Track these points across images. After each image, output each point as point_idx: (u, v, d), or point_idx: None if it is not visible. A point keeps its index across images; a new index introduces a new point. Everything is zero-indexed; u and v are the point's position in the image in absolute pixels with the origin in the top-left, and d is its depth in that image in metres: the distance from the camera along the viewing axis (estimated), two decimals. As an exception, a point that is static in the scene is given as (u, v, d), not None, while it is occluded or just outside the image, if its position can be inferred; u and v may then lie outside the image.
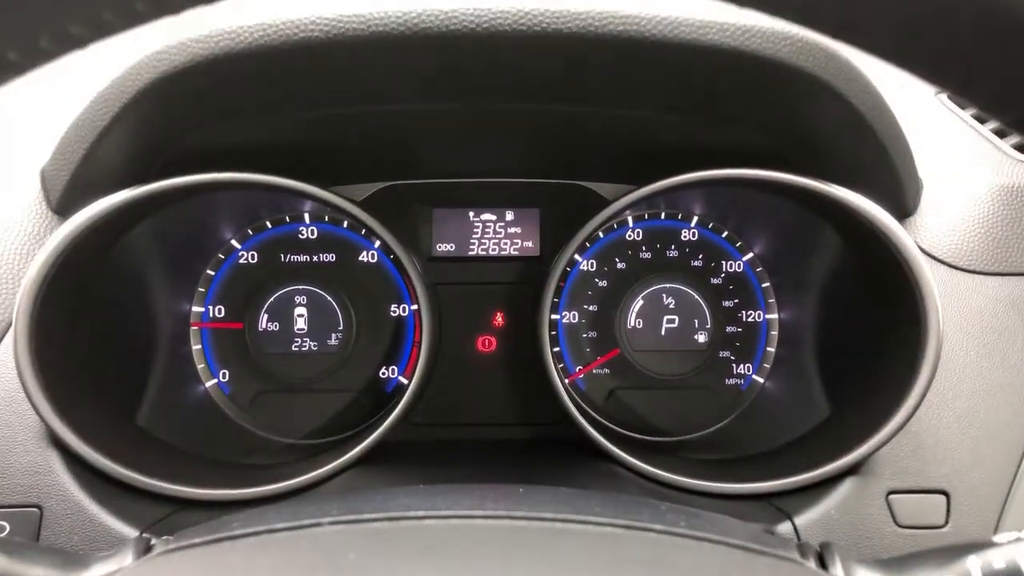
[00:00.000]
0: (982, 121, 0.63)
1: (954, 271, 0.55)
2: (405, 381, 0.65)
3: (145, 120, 0.47)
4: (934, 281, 0.49)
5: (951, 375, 0.53)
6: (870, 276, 0.57)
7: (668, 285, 0.66)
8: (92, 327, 0.55)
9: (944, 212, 0.56)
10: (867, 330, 0.57)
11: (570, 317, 0.66)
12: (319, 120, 0.55)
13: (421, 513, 0.32)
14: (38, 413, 0.49)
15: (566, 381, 0.65)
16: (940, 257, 0.55)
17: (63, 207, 0.50)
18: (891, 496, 0.51)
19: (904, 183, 0.54)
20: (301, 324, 0.65)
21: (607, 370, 0.66)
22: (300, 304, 0.65)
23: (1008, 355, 0.54)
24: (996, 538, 0.36)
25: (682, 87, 0.48)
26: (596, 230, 0.62)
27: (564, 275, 0.66)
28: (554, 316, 0.66)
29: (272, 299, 0.65)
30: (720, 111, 0.52)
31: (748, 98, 0.50)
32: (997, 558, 0.35)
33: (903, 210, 0.56)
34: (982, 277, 0.55)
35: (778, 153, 0.55)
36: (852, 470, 0.51)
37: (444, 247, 0.66)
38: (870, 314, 0.57)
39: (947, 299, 0.54)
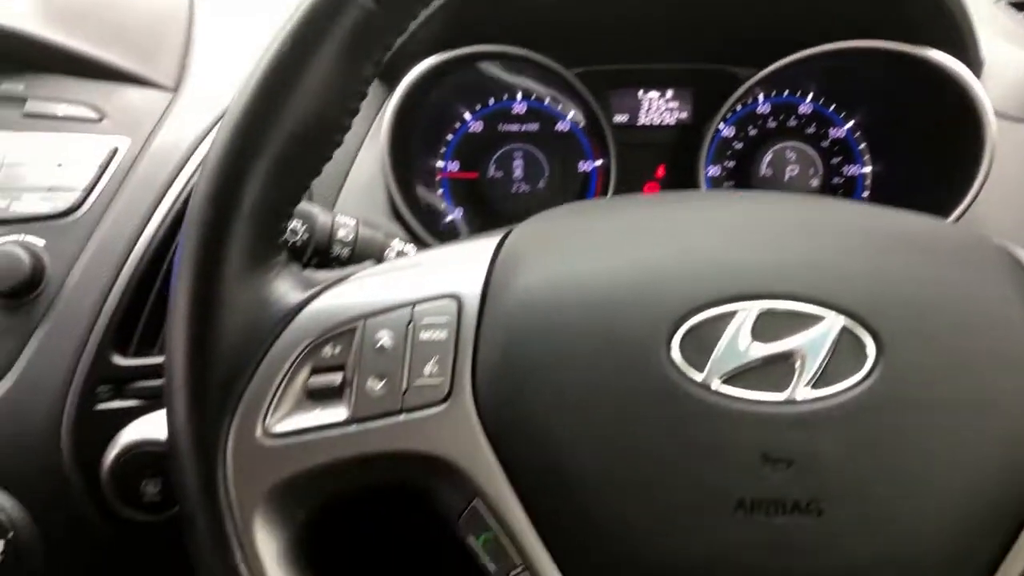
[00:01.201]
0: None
1: (1006, 120, 0.76)
2: (591, 217, 0.89)
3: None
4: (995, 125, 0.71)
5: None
6: (945, 131, 0.78)
7: (790, 143, 0.88)
8: None
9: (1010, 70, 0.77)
10: (936, 179, 0.79)
11: (714, 171, 0.89)
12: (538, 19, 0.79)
13: None
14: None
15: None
16: (1007, 112, 0.76)
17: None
18: None
19: (973, 46, 0.74)
20: (518, 172, 0.89)
21: (742, 210, 0.89)
22: (517, 159, 0.89)
23: None
24: None
25: None
26: (735, 104, 0.85)
27: (711, 140, 0.88)
28: (704, 170, 0.88)
29: (496, 156, 0.89)
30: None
31: None
32: None
33: (975, 70, 0.76)
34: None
35: (871, 28, 0.77)
36: None
37: (620, 118, 0.90)
38: (940, 163, 0.79)
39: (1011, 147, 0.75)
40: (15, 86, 0.67)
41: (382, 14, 0.44)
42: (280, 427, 0.44)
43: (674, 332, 0.42)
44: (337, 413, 0.44)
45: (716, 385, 0.42)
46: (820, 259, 0.44)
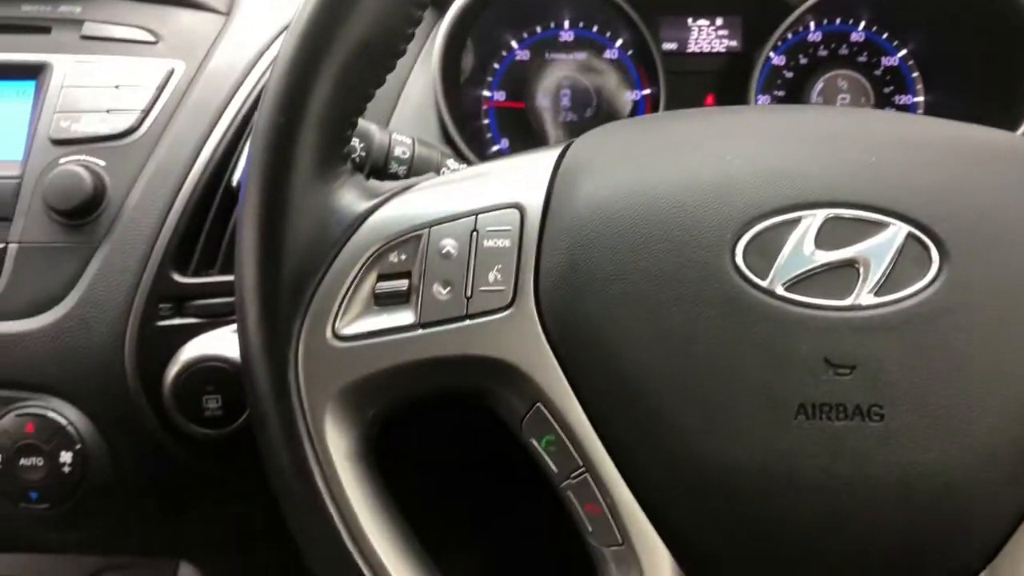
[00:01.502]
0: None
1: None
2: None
3: None
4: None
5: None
6: (1000, 56, 0.77)
7: (841, 71, 0.87)
8: None
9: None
10: (990, 108, 0.78)
11: (764, 100, 0.88)
12: None
13: None
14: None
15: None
16: None
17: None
18: None
19: None
20: (565, 102, 0.89)
21: (791, 139, 0.88)
22: (564, 87, 0.89)
23: None
24: None
25: None
26: (786, 31, 0.83)
27: (761, 68, 0.87)
28: (755, 98, 0.87)
29: (543, 85, 0.89)
30: None
31: None
32: None
33: None
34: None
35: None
36: None
37: (669, 45, 0.88)
38: (994, 91, 0.78)
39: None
40: (73, 8, 0.68)
41: None
42: (349, 330, 0.45)
43: (739, 238, 0.43)
44: (404, 318, 0.44)
45: (780, 291, 0.42)
46: (886, 167, 0.44)
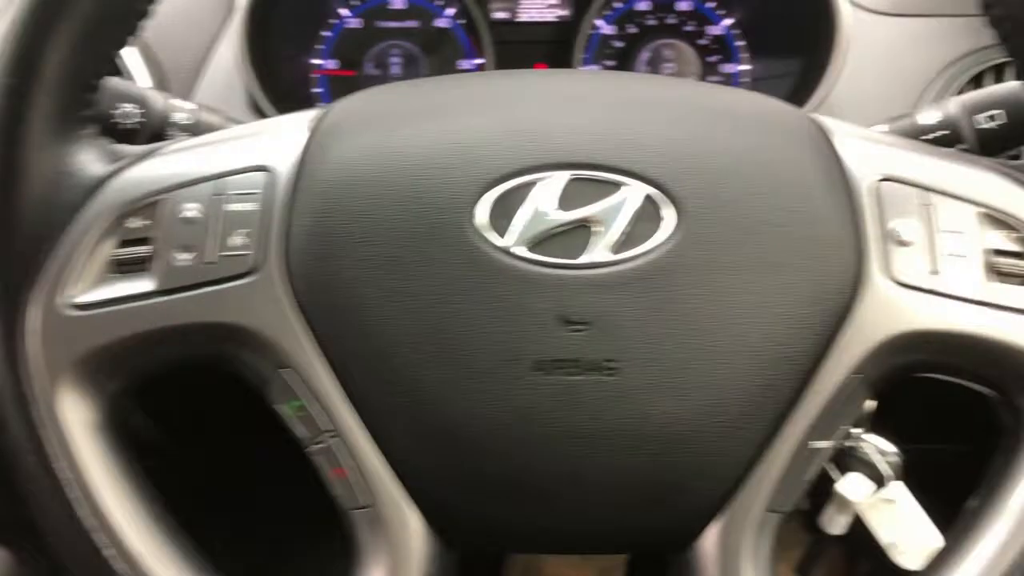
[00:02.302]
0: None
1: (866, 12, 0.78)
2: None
3: None
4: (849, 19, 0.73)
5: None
6: (809, 27, 0.79)
7: (668, 41, 0.88)
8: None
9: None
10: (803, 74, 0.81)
11: (593, 68, 0.89)
12: None
13: None
14: None
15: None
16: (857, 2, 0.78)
17: None
18: None
19: None
20: (396, 70, 0.88)
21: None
22: (395, 55, 0.88)
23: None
24: None
25: None
26: (613, 1, 0.85)
27: (589, 37, 0.88)
28: (582, 67, 0.88)
29: (373, 51, 0.88)
30: None
31: None
32: None
33: None
34: (891, 18, 0.78)
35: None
36: None
37: (500, 14, 0.88)
38: (806, 58, 0.80)
39: (855, 34, 0.76)
40: None
41: None
42: (85, 298, 0.43)
43: (479, 198, 0.43)
44: (143, 285, 0.43)
45: (519, 250, 0.43)
46: (625, 129, 0.45)
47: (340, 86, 0.88)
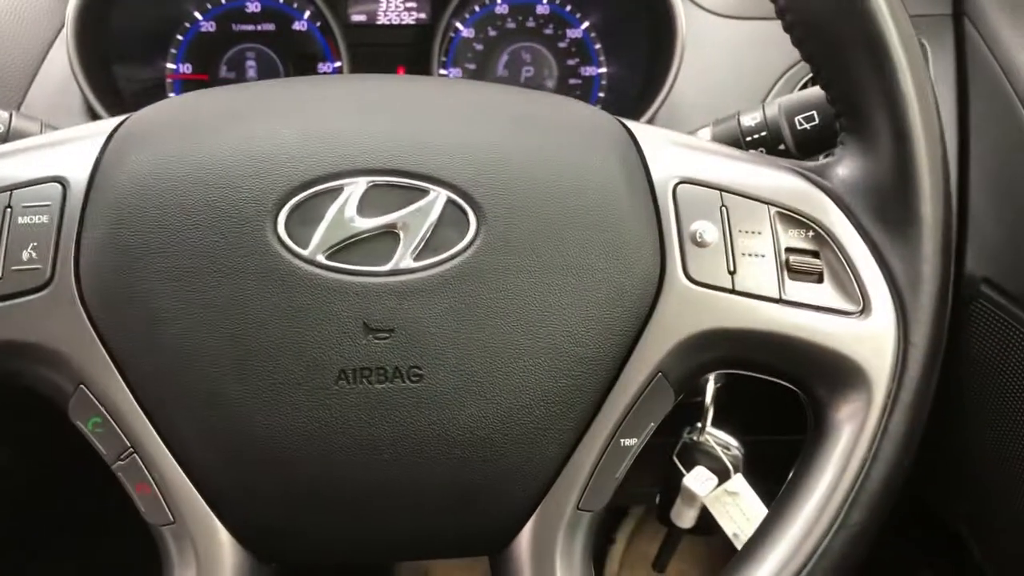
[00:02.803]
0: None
1: (712, 15, 0.80)
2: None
3: None
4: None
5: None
6: (653, 30, 0.81)
7: (526, 45, 0.89)
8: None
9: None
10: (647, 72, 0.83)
11: (454, 72, 0.89)
12: None
13: None
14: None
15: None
16: (703, 5, 0.80)
17: None
18: None
19: None
20: (252, 74, 0.86)
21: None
22: (250, 59, 0.86)
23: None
24: None
25: None
26: (471, 3, 0.85)
27: (449, 40, 0.88)
28: (442, 71, 0.88)
29: (228, 55, 0.86)
30: None
31: None
32: None
33: None
34: (736, 21, 0.80)
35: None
36: None
37: (358, 17, 0.88)
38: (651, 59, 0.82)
39: (701, 37, 0.78)
40: None
41: None
42: None
43: (280, 207, 0.42)
44: None
45: (321, 259, 0.42)
46: (428, 136, 0.45)
47: (194, 90, 0.86)
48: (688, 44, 0.77)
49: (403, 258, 0.43)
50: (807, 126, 0.57)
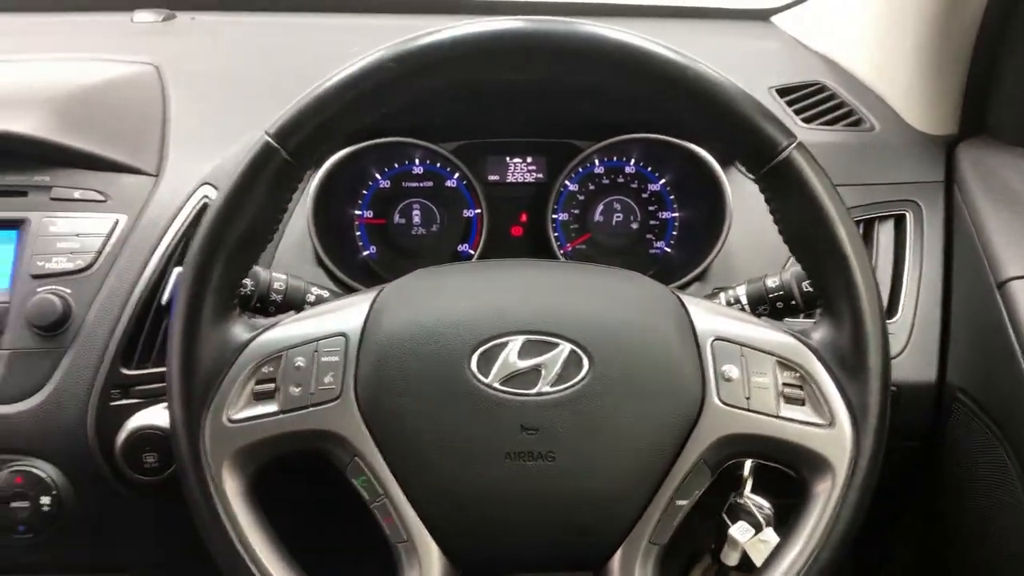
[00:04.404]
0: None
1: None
2: (472, 252, 1.18)
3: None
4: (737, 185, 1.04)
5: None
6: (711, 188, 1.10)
7: (617, 197, 1.18)
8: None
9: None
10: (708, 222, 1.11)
11: (563, 216, 1.19)
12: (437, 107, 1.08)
13: None
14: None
15: (560, 252, 1.18)
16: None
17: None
18: None
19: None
20: (417, 219, 1.18)
21: (584, 246, 1.19)
22: (416, 209, 1.17)
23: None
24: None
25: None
26: (576, 167, 1.15)
27: (559, 193, 1.18)
28: (553, 216, 1.18)
29: (400, 206, 1.18)
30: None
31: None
32: None
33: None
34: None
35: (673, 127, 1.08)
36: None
37: (493, 177, 1.19)
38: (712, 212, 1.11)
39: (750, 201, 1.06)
40: (43, 177, 0.94)
41: (296, 164, 0.73)
42: (237, 416, 0.72)
43: (472, 353, 0.72)
44: (271, 407, 0.73)
45: (496, 385, 0.71)
46: (558, 308, 0.74)
47: (374, 230, 1.18)
48: (738, 207, 1.06)
49: (544, 385, 0.72)
50: (810, 290, 0.85)
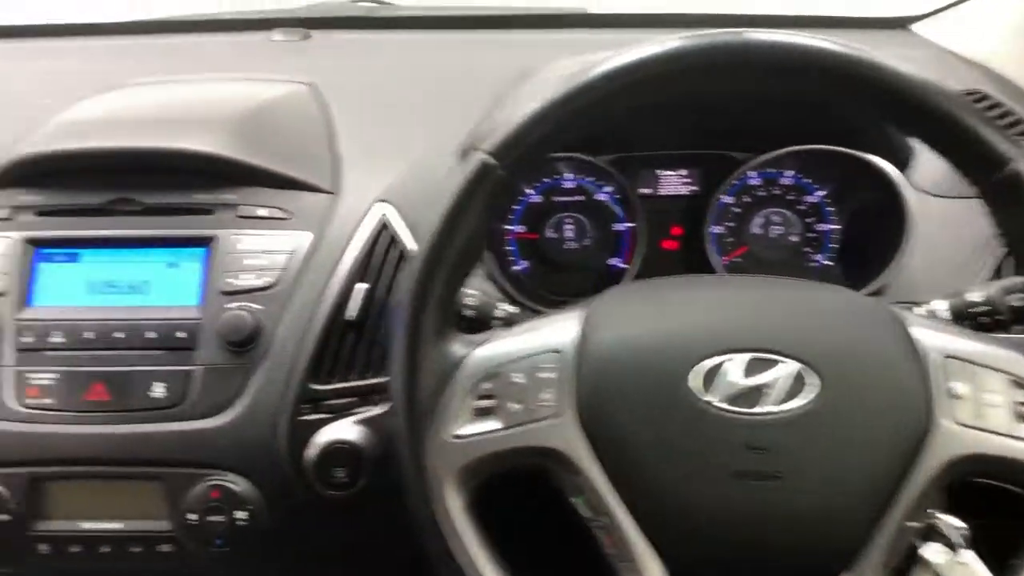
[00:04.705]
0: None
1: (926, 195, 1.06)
2: (624, 266, 1.17)
3: None
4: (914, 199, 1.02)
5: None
6: (877, 201, 1.07)
7: (775, 209, 1.17)
8: None
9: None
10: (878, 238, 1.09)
11: (718, 229, 1.18)
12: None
13: None
14: None
15: (720, 263, 1.16)
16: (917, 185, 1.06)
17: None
18: None
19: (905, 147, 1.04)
20: (568, 233, 1.17)
21: (740, 259, 1.18)
22: (568, 223, 1.17)
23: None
24: None
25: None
26: (731, 178, 1.14)
27: (716, 205, 1.17)
28: (708, 230, 1.17)
29: (552, 220, 1.18)
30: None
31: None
32: None
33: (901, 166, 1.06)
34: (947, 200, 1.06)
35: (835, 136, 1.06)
36: None
37: (644, 190, 1.18)
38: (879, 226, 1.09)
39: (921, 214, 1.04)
40: (230, 196, 0.96)
41: (512, 180, 0.73)
42: (460, 432, 0.73)
43: (693, 371, 0.71)
44: (493, 424, 0.72)
45: (719, 403, 0.71)
46: (785, 324, 0.73)
47: (525, 244, 1.18)
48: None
49: (769, 404, 0.70)
50: (1018, 304, 0.82)
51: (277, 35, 1.40)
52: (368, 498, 0.89)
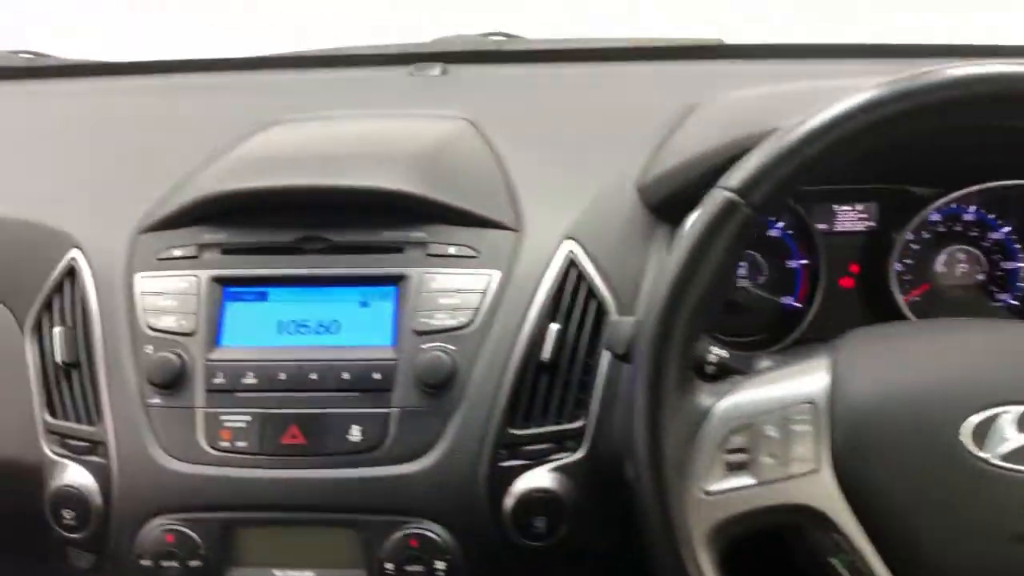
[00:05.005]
0: None
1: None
2: (798, 305, 1.13)
3: None
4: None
5: None
6: None
7: (960, 246, 1.12)
8: None
9: None
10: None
11: (898, 267, 1.13)
12: None
13: None
14: None
15: (902, 301, 1.11)
16: None
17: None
18: None
19: None
20: (742, 271, 1.13)
21: (919, 298, 1.13)
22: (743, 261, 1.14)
23: None
24: None
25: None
26: (910, 214, 1.09)
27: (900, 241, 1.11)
28: (891, 266, 1.11)
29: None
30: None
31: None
32: None
33: None
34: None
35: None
36: None
37: (820, 226, 1.14)
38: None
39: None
40: (420, 234, 0.94)
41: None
42: (711, 488, 0.69)
43: (962, 425, 0.67)
44: (746, 479, 0.69)
45: (993, 460, 0.66)
46: None
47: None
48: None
49: None
50: None
51: (419, 69, 1.38)
52: (566, 548, 0.85)
